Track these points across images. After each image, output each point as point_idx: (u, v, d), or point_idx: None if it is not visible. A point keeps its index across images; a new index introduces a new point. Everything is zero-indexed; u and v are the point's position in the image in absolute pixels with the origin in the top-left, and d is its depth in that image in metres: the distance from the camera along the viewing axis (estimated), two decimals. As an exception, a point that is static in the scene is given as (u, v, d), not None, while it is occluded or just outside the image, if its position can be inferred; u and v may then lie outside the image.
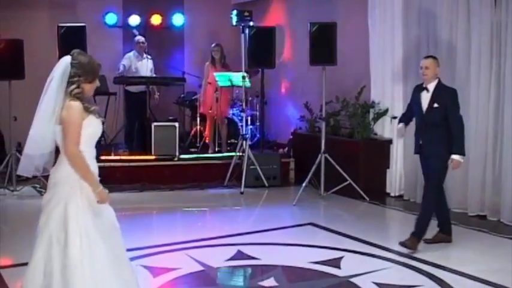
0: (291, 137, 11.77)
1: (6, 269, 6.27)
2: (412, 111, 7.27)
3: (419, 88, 7.02)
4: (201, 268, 6.26)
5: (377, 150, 10.00)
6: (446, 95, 6.85)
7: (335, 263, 6.42)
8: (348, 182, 9.65)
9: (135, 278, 4.60)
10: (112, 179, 10.37)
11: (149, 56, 12.06)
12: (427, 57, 7.13)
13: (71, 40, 9.80)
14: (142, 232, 7.84)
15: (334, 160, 9.65)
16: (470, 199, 8.56)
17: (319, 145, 9.80)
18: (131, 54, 12.03)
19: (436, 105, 6.82)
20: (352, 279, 5.90)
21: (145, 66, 11.92)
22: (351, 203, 9.55)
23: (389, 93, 9.93)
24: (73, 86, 4.37)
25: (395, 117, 9.79)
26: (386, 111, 9.94)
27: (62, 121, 4.33)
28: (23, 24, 11.54)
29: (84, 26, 9.96)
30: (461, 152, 6.82)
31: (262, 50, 10.70)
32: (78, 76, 4.39)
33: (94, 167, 4.45)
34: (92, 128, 4.43)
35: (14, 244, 7.34)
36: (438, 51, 8.92)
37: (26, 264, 6.21)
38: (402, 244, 6.82)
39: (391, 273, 6.11)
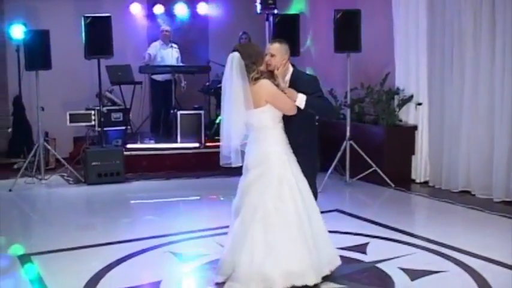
0: (316, 124, 11.73)
1: (37, 255, 6.39)
2: None
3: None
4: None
5: (402, 137, 9.98)
6: (306, 84, 5.62)
7: (361, 248, 6.46)
8: (373, 168, 9.67)
9: None
10: (138, 167, 10.56)
11: (175, 45, 12.14)
12: (274, 41, 5.77)
13: (97, 30, 9.92)
14: (170, 219, 7.94)
15: (359, 147, 9.68)
16: (495, 185, 8.52)
17: (344, 132, 9.83)
18: (157, 43, 12.13)
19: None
20: (378, 265, 5.93)
21: (170, 55, 12.01)
22: (377, 189, 9.57)
23: (414, 80, 9.91)
24: (253, 73, 5.28)
25: (420, 104, 9.79)
26: (411, 97, 9.92)
27: (268, 99, 5.30)
28: (49, 15, 11.66)
29: (109, 16, 10.03)
30: (305, 101, 5.41)
31: (286, 37, 10.58)
32: (252, 64, 5.29)
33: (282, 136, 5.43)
34: None
35: (44, 231, 7.52)
36: (462, 37, 8.91)
37: (56, 251, 6.46)
38: None
39: (417, 259, 6.13)
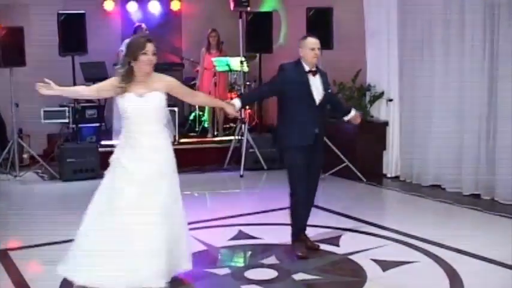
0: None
1: (14, 251, 6.47)
2: (265, 92, 6.91)
3: (301, 70, 6.27)
4: (205, 248, 6.45)
5: (373, 133, 10.12)
6: (326, 78, 6.36)
7: (334, 241, 6.61)
8: (346, 163, 9.82)
9: None
10: (113, 163, 10.55)
11: (148, 42, 12.16)
12: (312, 35, 6.51)
13: (71, 27, 9.94)
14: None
15: (331, 142, 9.80)
16: (464, 179, 8.72)
17: (316, 128, 9.93)
18: (131, 40, 12.14)
19: (330, 90, 6.35)
20: (351, 257, 6.08)
21: (144, 52, 12.03)
22: (349, 184, 9.71)
23: (385, 77, 10.06)
24: (122, 69, 5.18)
25: (391, 100, 9.94)
26: (382, 94, 10.07)
27: None
28: (23, 12, 11.62)
29: (83, 13, 10.08)
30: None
31: (259, 35, 10.77)
32: (124, 57, 5.19)
33: (128, 140, 5.29)
34: (124, 106, 5.21)
35: (20, 227, 7.53)
36: (432, 35, 9.08)
37: (32, 246, 6.50)
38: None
39: (389, 251, 6.28)
